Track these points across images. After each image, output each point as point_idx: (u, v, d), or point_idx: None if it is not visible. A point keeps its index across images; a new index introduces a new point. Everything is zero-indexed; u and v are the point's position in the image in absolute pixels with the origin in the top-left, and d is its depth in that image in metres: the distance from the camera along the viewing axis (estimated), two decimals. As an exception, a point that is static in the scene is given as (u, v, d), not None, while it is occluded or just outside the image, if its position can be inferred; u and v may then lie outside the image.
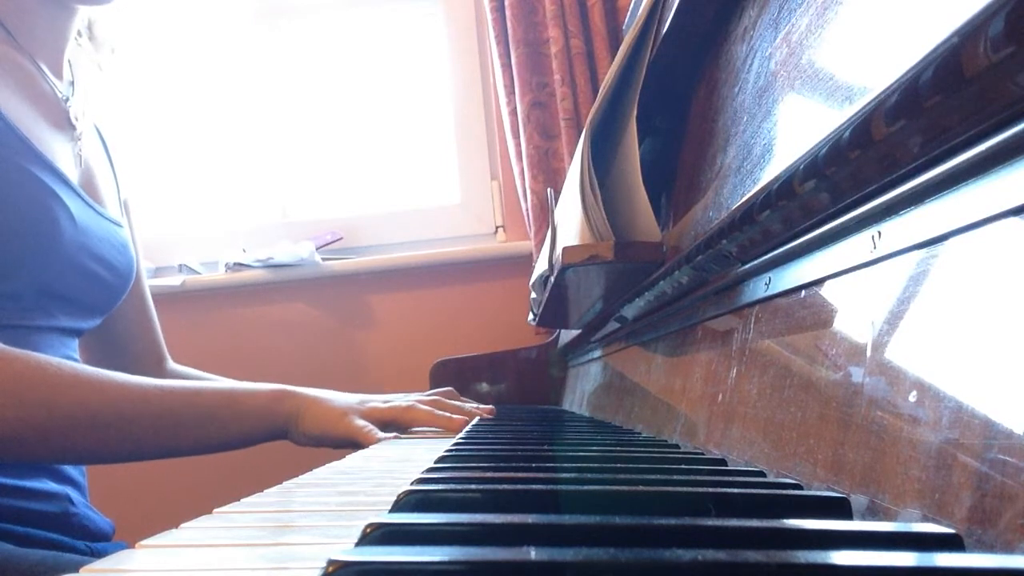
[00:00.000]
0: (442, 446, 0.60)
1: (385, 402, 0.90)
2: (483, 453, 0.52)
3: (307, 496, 0.41)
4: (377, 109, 2.09)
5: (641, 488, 0.32)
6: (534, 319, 1.21)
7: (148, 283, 1.88)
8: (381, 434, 0.83)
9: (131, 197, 1.08)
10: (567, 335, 1.38)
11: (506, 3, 1.76)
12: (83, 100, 0.95)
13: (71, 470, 0.86)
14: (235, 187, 2.11)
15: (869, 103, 0.28)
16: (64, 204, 0.81)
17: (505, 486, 0.32)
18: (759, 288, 0.46)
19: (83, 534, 0.83)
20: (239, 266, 1.88)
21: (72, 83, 0.95)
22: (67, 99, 0.92)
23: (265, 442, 0.85)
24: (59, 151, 0.86)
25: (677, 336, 0.65)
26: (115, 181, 1.01)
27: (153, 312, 1.11)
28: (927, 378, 0.28)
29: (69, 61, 0.95)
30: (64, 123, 0.90)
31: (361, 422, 0.83)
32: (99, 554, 0.76)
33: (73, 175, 0.87)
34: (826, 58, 0.39)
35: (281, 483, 0.46)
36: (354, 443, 0.82)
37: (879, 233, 0.32)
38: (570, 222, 0.75)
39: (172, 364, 1.12)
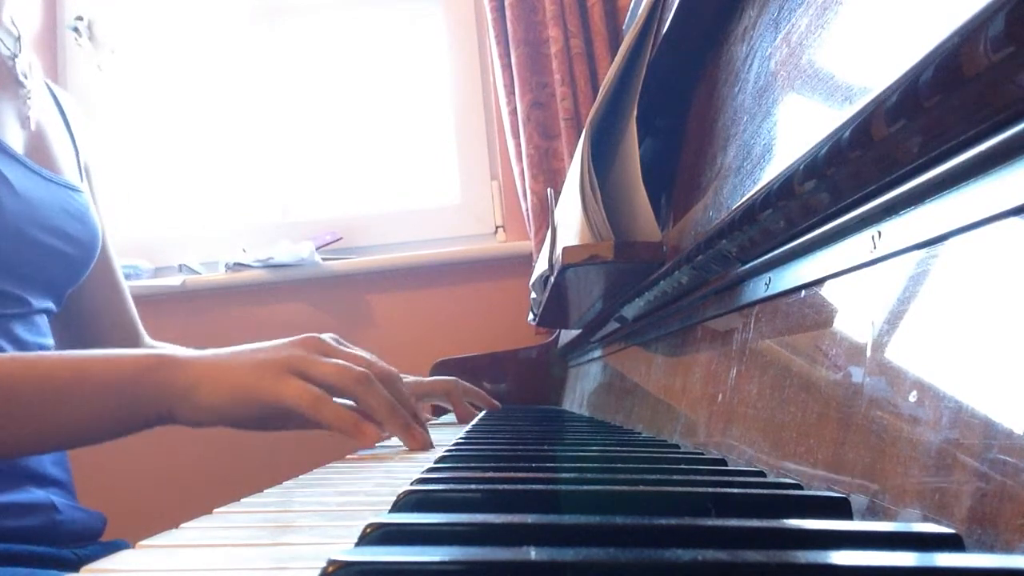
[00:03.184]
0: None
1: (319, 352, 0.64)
2: (483, 453, 0.52)
3: (307, 496, 0.41)
4: (377, 109, 2.09)
5: (641, 488, 0.32)
6: (534, 319, 1.21)
7: (151, 283, 1.88)
8: (333, 402, 0.60)
9: (92, 160, 0.98)
10: (567, 335, 1.38)
11: (506, 3, 1.77)
12: (30, 56, 0.88)
13: (54, 469, 0.81)
14: (235, 187, 2.11)
15: (869, 103, 0.28)
16: (1, 174, 0.73)
17: (505, 486, 0.32)
18: (759, 288, 0.46)
19: (71, 539, 0.79)
20: (239, 266, 1.88)
21: (19, 39, 0.87)
22: (14, 56, 0.85)
23: (142, 429, 0.63)
24: (1, 114, 0.79)
25: (677, 336, 0.65)
26: (72, 144, 0.93)
27: (124, 286, 1.02)
28: (927, 378, 0.28)
29: (12, 18, 0.88)
30: (9, 81, 0.83)
31: (300, 382, 0.61)
32: (87, 559, 0.72)
33: (17, 139, 0.80)
34: (826, 58, 0.39)
35: (281, 483, 0.46)
36: (289, 413, 0.60)
37: (879, 233, 0.32)
38: (570, 222, 0.75)
39: (150, 341, 1.05)
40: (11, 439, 0.61)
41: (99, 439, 0.64)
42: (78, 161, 0.93)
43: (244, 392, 0.61)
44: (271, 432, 0.66)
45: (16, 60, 0.85)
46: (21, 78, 0.85)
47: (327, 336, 0.68)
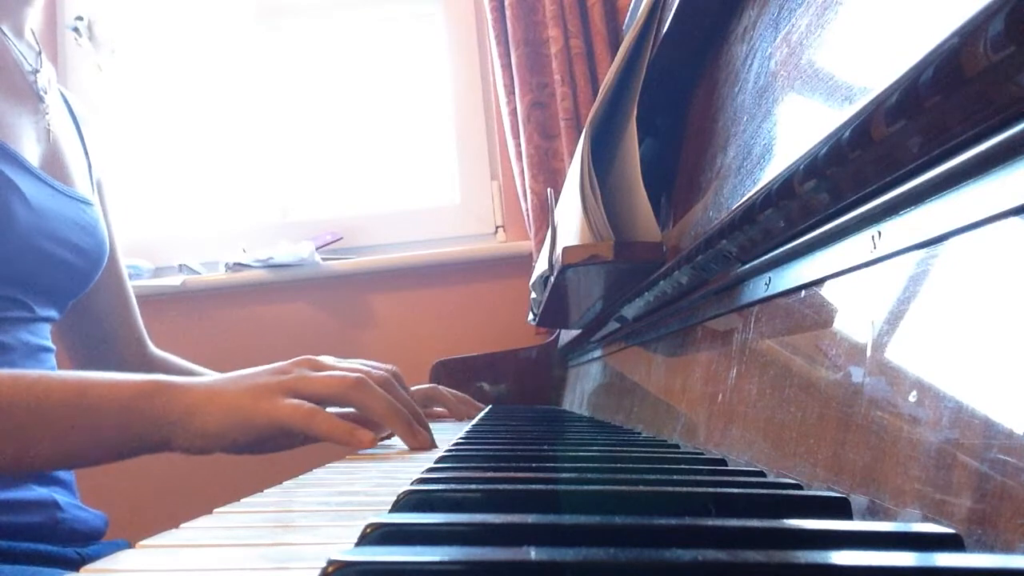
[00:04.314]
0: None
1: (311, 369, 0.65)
2: (483, 453, 0.52)
3: (307, 496, 0.41)
4: (377, 109, 2.09)
5: (641, 488, 0.32)
6: (534, 319, 1.21)
7: (151, 283, 1.88)
8: (325, 412, 0.60)
9: (105, 176, 1.01)
10: (567, 335, 1.38)
11: (506, 3, 1.76)
12: (49, 70, 0.90)
13: None
14: (235, 187, 2.11)
15: (869, 103, 0.28)
16: (16, 187, 0.75)
17: (505, 486, 0.32)
18: (759, 288, 0.46)
19: (73, 537, 0.79)
20: (239, 266, 1.88)
21: (40, 54, 0.89)
22: (35, 71, 0.87)
23: (138, 454, 0.64)
24: (20, 127, 0.81)
25: (677, 336, 0.65)
26: (86, 157, 0.95)
27: (131, 295, 1.04)
28: (927, 378, 0.28)
29: (33, 31, 0.90)
30: (30, 96, 0.85)
31: (292, 400, 0.62)
32: (90, 559, 0.71)
33: (34, 152, 0.82)
34: (826, 58, 0.39)
35: (281, 483, 0.46)
36: (286, 431, 0.62)
37: (879, 233, 0.32)
38: (570, 222, 0.75)
39: (154, 350, 1.07)
40: (4, 458, 0.61)
41: (95, 462, 0.65)
42: (90, 175, 0.95)
43: (240, 416, 0.62)
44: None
45: (37, 75, 0.87)
46: (41, 93, 0.87)
47: (323, 357, 0.69)
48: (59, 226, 0.81)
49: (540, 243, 1.64)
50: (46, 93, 0.87)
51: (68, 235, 0.83)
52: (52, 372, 0.74)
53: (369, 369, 0.68)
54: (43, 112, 0.86)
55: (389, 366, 0.70)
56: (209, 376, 0.66)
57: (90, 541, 0.83)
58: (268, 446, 0.65)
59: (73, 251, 0.84)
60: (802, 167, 0.35)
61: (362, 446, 0.63)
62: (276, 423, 0.61)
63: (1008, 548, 0.22)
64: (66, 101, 0.96)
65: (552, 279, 0.78)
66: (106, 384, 0.64)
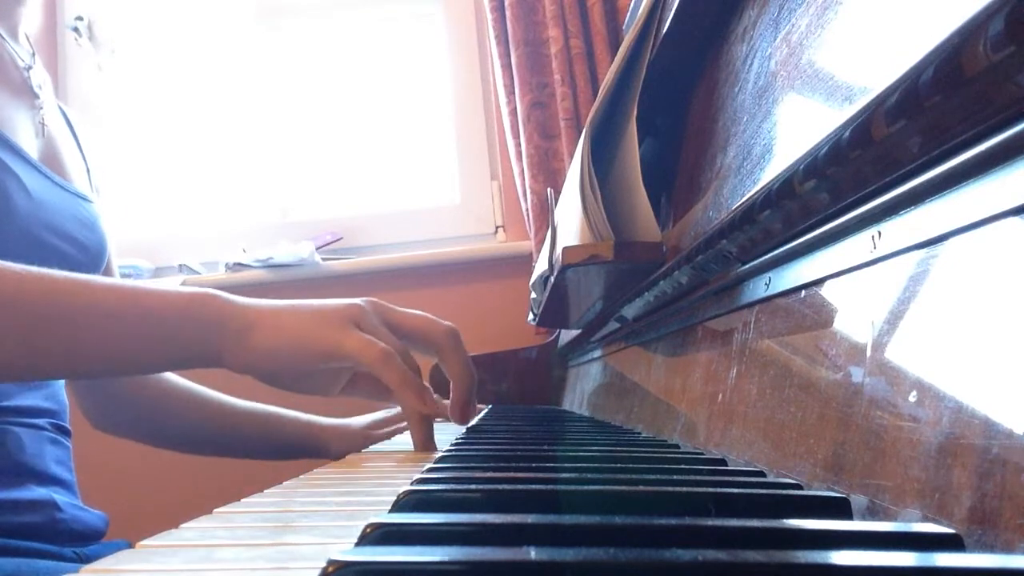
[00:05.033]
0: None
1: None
2: (483, 453, 0.52)
3: (307, 496, 0.41)
4: (377, 109, 2.09)
5: (641, 488, 0.32)
6: (534, 319, 1.21)
7: (147, 283, 1.88)
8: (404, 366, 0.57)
9: (103, 184, 1.02)
10: (567, 335, 1.38)
11: (506, 3, 1.77)
12: (44, 73, 0.92)
13: (57, 468, 0.82)
14: (235, 187, 2.11)
15: (869, 103, 0.28)
16: (14, 174, 0.75)
17: (505, 486, 0.32)
18: (759, 288, 0.46)
19: (72, 538, 0.79)
20: (239, 266, 1.88)
21: (33, 55, 0.91)
22: (29, 67, 0.88)
23: (187, 366, 0.62)
24: (16, 120, 0.82)
25: (677, 336, 0.65)
26: (83, 160, 0.96)
27: None
28: (927, 378, 0.28)
29: (27, 35, 0.91)
30: (25, 91, 0.86)
31: (366, 335, 0.58)
32: (90, 559, 0.71)
33: (32, 146, 0.83)
34: (826, 58, 0.39)
35: (281, 483, 0.46)
36: (344, 363, 0.59)
37: (879, 233, 0.32)
38: (570, 222, 0.75)
39: None
40: (55, 357, 0.60)
41: (143, 369, 0.64)
42: (89, 178, 0.96)
43: (303, 338, 0.59)
44: (305, 395, 0.64)
45: (31, 72, 0.88)
46: (36, 89, 0.87)
47: (389, 305, 0.67)
48: (59, 219, 0.81)
49: (540, 243, 1.64)
50: (41, 90, 0.88)
51: (68, 228, 0.83)
52: (107, 278, 0.71)
53: (427, 326, 0.65)
54: (38, 108, 0.87)
55: (448, 324, 0.67)
56: None
57: (90, 541, 0.83)
58: (311, 381, 0.62)
59: (74, 245, 0.84)
60: (802, 167, 0.35)
61: (425, 408, 0.60)
62: (343, 353, 0.58)
63: (1008, 548, 0.22)
64: (63, 112, 0.97)
65: (552, 279, 0.78)
66: (161, 291, 0.62)
